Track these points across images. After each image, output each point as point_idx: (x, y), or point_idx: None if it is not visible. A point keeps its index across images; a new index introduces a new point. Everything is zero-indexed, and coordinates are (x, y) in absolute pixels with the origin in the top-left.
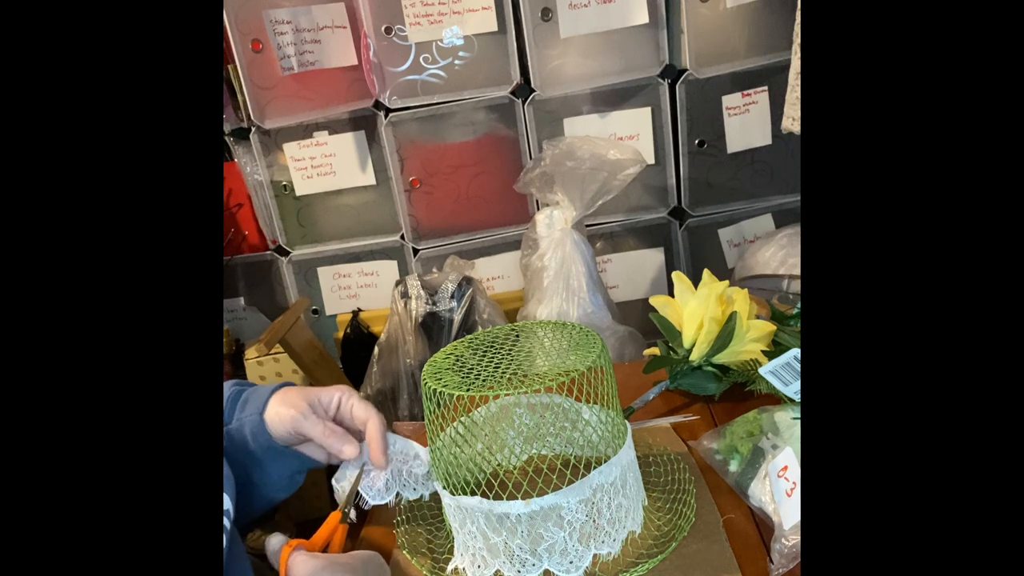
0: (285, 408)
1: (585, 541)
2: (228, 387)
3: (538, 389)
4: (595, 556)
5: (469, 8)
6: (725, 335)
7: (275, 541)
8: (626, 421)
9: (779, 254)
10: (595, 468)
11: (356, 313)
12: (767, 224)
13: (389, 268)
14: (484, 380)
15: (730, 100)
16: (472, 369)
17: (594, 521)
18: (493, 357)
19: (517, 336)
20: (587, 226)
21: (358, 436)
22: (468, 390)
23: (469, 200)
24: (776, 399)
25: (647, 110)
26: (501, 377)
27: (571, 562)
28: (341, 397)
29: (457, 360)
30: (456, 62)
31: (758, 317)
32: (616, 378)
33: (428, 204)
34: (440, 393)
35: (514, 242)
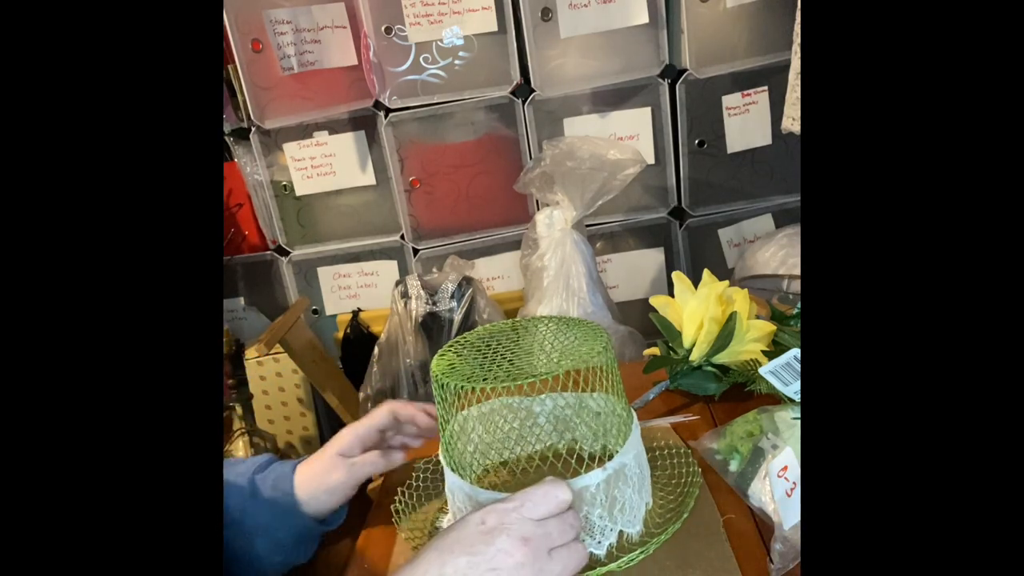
0: (346, 435)
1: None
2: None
3: (547, 381)
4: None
5: (469, 8)
6: (725, 335)
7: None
8: (632, 411)
9: (779, 254)
10: (606, 460)
11: (356, 313)
12: (767, 224)
13: (389, 268)
14: (494, 373)
15: (730, 100)
16: (482, 362)
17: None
18: (502, 350)
19: (524, 329)
20: (587, 226)
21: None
22: (479, 383)
23: (469, 200)
24: (776, 399)
25: (647, 110)
26: (510, 369)
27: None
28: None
29: (467, 353)
30: (456, 62)
31: (758, 317)
32: None
33: (428, 204)
34: (450, 386)
35: (514, 242)
